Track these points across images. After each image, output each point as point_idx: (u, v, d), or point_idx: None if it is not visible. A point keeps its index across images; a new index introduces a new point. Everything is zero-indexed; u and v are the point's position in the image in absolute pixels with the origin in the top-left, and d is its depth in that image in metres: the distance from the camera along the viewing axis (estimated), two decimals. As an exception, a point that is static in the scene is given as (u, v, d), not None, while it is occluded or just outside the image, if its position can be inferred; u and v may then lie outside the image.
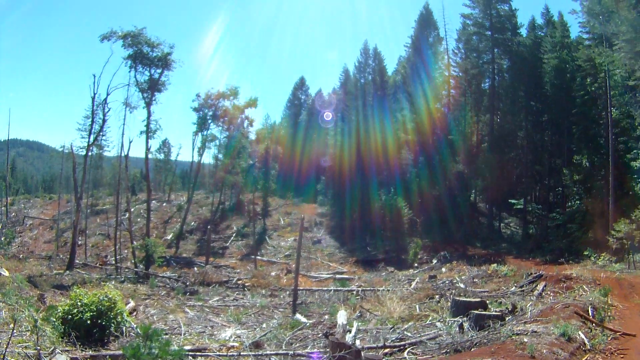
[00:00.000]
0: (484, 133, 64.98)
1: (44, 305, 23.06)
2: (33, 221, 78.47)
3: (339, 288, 33.87)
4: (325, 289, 34.81)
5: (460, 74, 65.58)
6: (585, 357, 12.46)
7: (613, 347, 13.46)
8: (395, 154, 63.09)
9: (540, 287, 22.11)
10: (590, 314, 15.97)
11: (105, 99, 54.05)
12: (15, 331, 14.39)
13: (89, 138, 56.48)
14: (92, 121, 55.68)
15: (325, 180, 78.41)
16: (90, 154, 59.13)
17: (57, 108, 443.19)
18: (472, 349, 12.68)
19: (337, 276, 42.87)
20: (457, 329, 15.29)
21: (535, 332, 13.28)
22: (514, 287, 23.84)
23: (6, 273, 31.87)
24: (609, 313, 17.01)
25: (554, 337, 12.79)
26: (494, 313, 15.84)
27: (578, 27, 54.97)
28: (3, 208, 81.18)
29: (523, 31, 63.49)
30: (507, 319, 15.66)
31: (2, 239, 62.41)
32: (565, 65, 53.70)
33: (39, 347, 12.99)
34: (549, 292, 21.03)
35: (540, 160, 58.54)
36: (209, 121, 71.17)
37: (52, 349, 13.58)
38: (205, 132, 72.82)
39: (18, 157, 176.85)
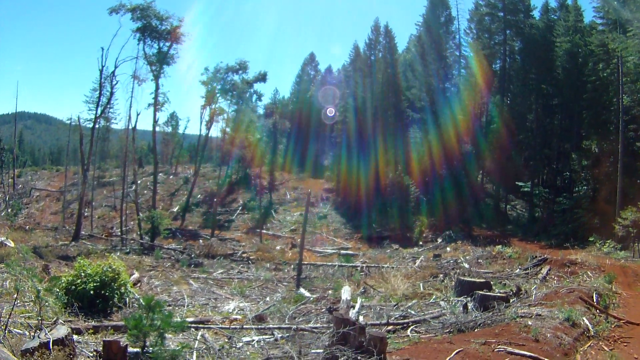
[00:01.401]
0: (493, 114, 64.77)
1: (48, 275, 23.11)
2: (40, 193, 78.74)
3: (344, 264, 33.89)
4: (329, 264, 34.87)
5: (472, 55, 65.27)
6: (589, 344, 12.42)
7: (617, 335, 13.43)
8: (403, 132, 62.92)
9: (544, 270, 22.08)
10: (594, 300, 15.94)
11: (113, 72, 54.09)
12: (18, 301, 14.45)
13: (97, 110, 56.48)
14: (100, 94, 55.72)
15: (333, 156, 78.22)
16: (97, 126, 59.13)
17: (65, 81, 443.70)
18: (476, 330, 12.66)
19: (342, 252, 42.87)
20: (461, 308, 15.24)
21: (540, 315, 13.25)
22: (518, 270, 23.78)
23: (12, 244, 31.95)
24: (613, 300, 16.98)
25: (558, 321, 12.77)
26: (498, 294, 15.78)
27: (592, 11, 54.20)
28: (10, 180, 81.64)
29: (536, 13, 63.10)
30: (511, 301, 15.61)
31: (9, 210, 62.76)
32: (577, 50, 53.40)
33: (40, 318, 12.99)
34: (553, 276, 21.01)
35: (549, 144, 58.30)
36: (218, 95, 71.03)
37: (54, 319, 13.56)
38: (213, 106, 72.68)
39: (26, 130, 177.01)
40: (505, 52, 61.71)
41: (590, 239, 37.99)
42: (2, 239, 32.72)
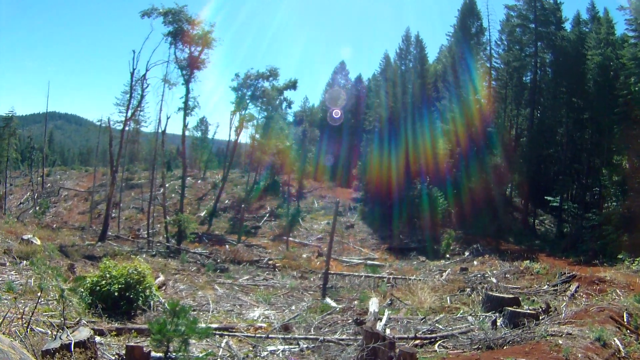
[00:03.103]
0: (523, 127, 64.36)
1: (74, 275, 23.23)
2: (68, 192, 79.43)
3: (370, 274, 33.74)
4: (356, 274, 34.71)
5: (502, 66, 64.97)
6: (620, 365, 12.24)
7: (647, 357, 13.21)
8: (433, 143, 62.73)
9: (573, 287, 21.73)
10: (625, 320, 15.70)
11: (144, 75, 54.60)
12: (42, 300, 14.50)
13: (127, 113, 57.11)
14: (130, 96, 56.28)
15: (362, 166, 78.09)
16: (127, 128, 59.75)
17: (96, 83, 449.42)
18: (505, 347, 12.45)
19: (369, 262, 42.76)
20: (490, 324, 15.08)
21: (570, 334, 13.01)
22: (546, 286, 23.46)
23: (38, 242, 32.05)
24: (643, 320, 16.69)
25: (589, 341, 12.51)
26: (528, 311, 15.50)
27: (624, 24, 53.76)
28: (39, 178, 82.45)
29: (567, 25, 62.66)
30: (541, 318, 15.39)
31: (37, 208, 63.28)
32: (609, 63, 52.83)
33: (64, 317, 13.03)
34: (581, 294, 20.70)
35: (579, 159, 57.83)
36: (248, 101, 71.27)
37: (77, 319, 13.70)
38: (243, 112, 72.88)
39: (56, 130, 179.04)
40: (536, 64, 61.23)
41: (620, 256, 37.38)
42: (29, 236, 32.88)
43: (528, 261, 31.88)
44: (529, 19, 60.67)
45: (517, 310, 15.46)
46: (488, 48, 66.06)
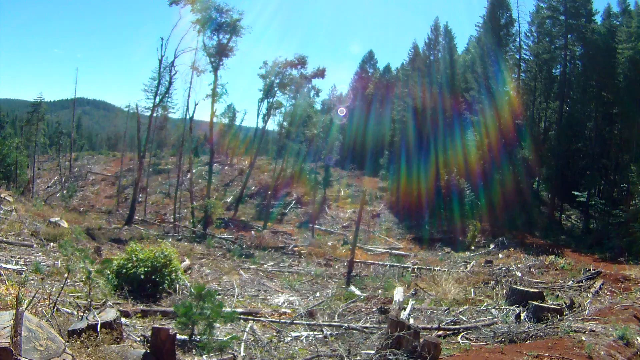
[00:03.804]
0: (552, 120, 63.86)
1: (100, 257, 23.58)
2: (95, 177, 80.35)
3: (395, 264, 33.68)
4: (380, 263, 34.67)
5: (532, 58, 64.46)
6: (643, 365, 12.22)
7: (671, 358, 13.17)
8: (460, 134, 62.46)
9: (597, 284, 21.56)
10: (649, 319, 15.64)
11: (172, 62, 55.23)
12: (68, 281, 14.72)
13: (155, 99, 57.74)
14: (159, 83, 56.87)
15: (389, 155, 77.90)
16: (155, 114, 60.16)
17: (124, 70, 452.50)
18: (528, 341, 12.41)
19: (393, 251, 42.76)
20: (514, 318, 15.03)
21: (594, 331, 12.93)
22: (570, 282, 23.31)
23: (66, 224, 32.46)
24: (668, 321, 16.62)
25: (612, 339, 12.44)
26: (553, 306, 15.37)
27: (656, 17, 53.41)
28: (67, 163, 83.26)
29: (598, 18, 61.84)
30: (565, 314, 15.34)
31: (64, 192, 63.87)
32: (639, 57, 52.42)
33: (90, 299, 13.20)
34: (606, 291, 20.55)
35: (607, 154, 57.32)
36: (275, 88, 71.20)
37: (103, 301, 13.84)
38: (271, 99, 72.93)
39: (84, 115, 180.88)
40: (566, 56, 60.58)
41: (646, 254, 37.28)
42: (56, 219, 33.28)
43: (553, 256, 31.77)
44: (559, 10, 60.01)
45: (542, 304, 15.38)
46: (517, 39, 65.45)
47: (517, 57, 65.12)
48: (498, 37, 63.26)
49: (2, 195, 38.02)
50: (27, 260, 19.49)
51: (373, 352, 11.23)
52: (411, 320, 15.04)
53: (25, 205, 41.10)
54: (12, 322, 6.56)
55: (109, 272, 17.77)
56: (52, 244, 24.70)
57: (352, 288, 24.93)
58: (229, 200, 67.21)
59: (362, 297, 21.47)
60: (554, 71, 63.24)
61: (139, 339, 11.57)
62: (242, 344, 13.15)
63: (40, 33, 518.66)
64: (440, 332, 14.30)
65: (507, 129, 57.84)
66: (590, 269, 24.89)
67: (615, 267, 27.66)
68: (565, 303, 17.23)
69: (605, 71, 55.58)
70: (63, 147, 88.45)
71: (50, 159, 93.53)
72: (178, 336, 11.13)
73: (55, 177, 79.41)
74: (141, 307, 15.45)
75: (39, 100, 72.93)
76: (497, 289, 22.30)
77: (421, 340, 10.04)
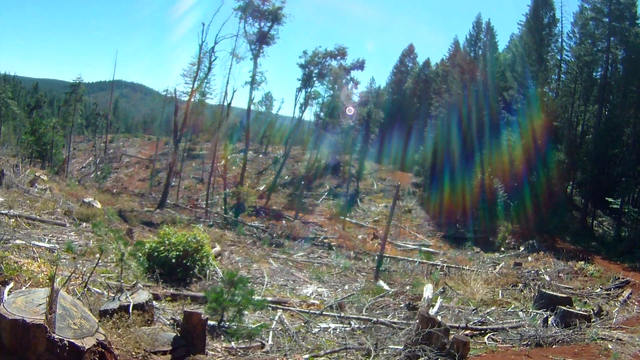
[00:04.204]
0: (589, 124, 63.23)
1: (132, 239, 23.84)
2: (130, 159, 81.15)
3: (424, 260, 33.76)
4: (409, 259, 34.82)
5: (573, 60, 63.78)
6: (666, 377, 12.16)
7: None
8: (497, 133, 62.06)
9: (626, 293, 21.44)
10: (676, 332, 15.54)
11: (213, 48, 55.53)
12: (100, 261, 14.94)
13: (193, 84, 58.13)
14: (198, 68, 57.25)
15: (424, 151, 77.65)
16: (192, 99, 60.38)
17: (163, 54, 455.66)
18: (554, 346, 12.42)
19: (423, 248, 42.61)
20: (541, 322, 15.03)
21: (620, 340, 12.88)
22: (599, 289, 23.19)
23: (99, 205, 32.86)
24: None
25: (638, 348, 12.32)
26: (581, 312, 15.41)
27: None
28: (102, 144, 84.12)
29: (642, 22, 61.20)
30: (592, 320, 15.34)
31: (98, 173, 64.66)
32: (682, 64, 51.73)
33: (122, 280, 13.40)
34: (634, 301, 20.39)
35: (644, 162, 56.68)
36: (314, 79, 71.23)
37: (134, 282, 14.00)
38: (309, 89, 72.98)
39: (121, 98, 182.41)
40: (608, 60, 59.65)
41: (676, 266, 36.85)
42: (90, 199, 33.69)
43: (583, 262, 31.60)
44: (603, 12, 59.19)
45: (570, 310, 15.37)
46: (559, 40, 64.78)
47: (559, 57, 64.48)
48: (540, 37, 62.65)
49: (37, 174, 38.54)
50: (60, 239, 19.76)
51: (401, 347, 11.30)
52: (439, 318, 15.12)
53: (60, 184, 41.66)
54: (47, 300, 6.70)
55: (140, 254, 18.00)
56: (84, 224, 25.04)
57: (381, 283, 25.03)
58: (261, 188, 67.43)
59: (390, 292, 21.56)
60: (594, 74, 62.43)
61: (169, 322, 11.75)
62: (271, 332, 13.31)
63: (82, 15, 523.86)
64: (467, 332, 14.31)
65: (544, 130, 57.37)
66: (619, 278, 24.82)
67: (645, 277, 27.38)
68: (593, 310, 17.20)
69: (647, 77, 54.87)
70: (99, 128, 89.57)
71: (86, 139, 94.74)
72: (208, 322, 11.22)
73: (90, 158, 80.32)
74: (171, 290, 15.67)
75: (77, 82, 73.65)
76: (525, 291, 22.30)
77: (450, 337, 10.11)
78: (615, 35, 57.50)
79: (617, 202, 51.87)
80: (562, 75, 64.36)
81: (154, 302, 12.38)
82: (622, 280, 24.11)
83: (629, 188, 54.18)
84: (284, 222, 49.25)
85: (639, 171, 53.94)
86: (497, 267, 32.01)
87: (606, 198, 52.51)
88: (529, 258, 37.56)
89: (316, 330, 14.46)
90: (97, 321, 7.48)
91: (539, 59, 61.27)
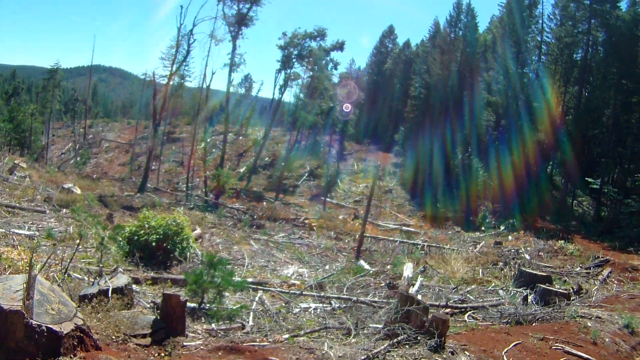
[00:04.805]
0: (569, 105, 63.43)
1: (112, 224, 23.74)
2: (109, 144, 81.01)
3: (405, 240, 33.87)
4: (390, 239, 34.83)
5: (553, 41, 63.95)
6: (646, 354, 12.26)
7: (676, 350, 13.22)
8: (477, 114, 62.20)
9: (605, 272, 21.61)
10: (654, 310, 15.67)
11: (191, 30, 55.63)
12: (80, 247, 14.84)
13: (172, 67, 57.81)
14: (176, 51, 57.07)
15: (404, 131, 77.74)
16: (171, 82, 60.21)
17: (141, 37, 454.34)
18: (534, 324, 12.50)
19: (404, 228, 42.94)
20: (521, 300, 15.11)
21: (600, 318, 13.00)
22: (578, 268, 23.37)
23: (78, 191, 32.74)
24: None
25: (618, 326, 12.52)
26: (560, 290, 15.46)
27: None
28: (81, 130, 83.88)
29: (623, 5, 61.18)
30: (572, 298, 15.44)
31: (78, 158, 64.44)
32: (663, 46, 51.97)
33: (101, 265, 13.34)
34: (613, 279, 20.58)
35: (623, 142, 56.65)
36: (294, 60, 71.06)
37: (114, 267, 13.91)
38: (288, 71, 72.83)
39: (100, 82, 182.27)
40: (589, 42, 59.83)
41: (656, 245, 37.14)
42: (69, 185, 33.55)
43: (563, 241, 31.84)
44: (584, -6, 59.46)
45: (549, 288, 15.41)
46: (540, 22, 64.93)
47: (539, 39, 64.63)
48: (521, 18, 62.67)
49: (16, 162, 38.42)
50: (40, 226, 19.80)
51: (381, 325, 11.32)
52: (419, 297, 15.16)
53: (39, 171, 41.54)
54: (25, 286, 6.66)
55: (120, 238, 17.94)
56: (64, 210, 25.05)
57: (362, 262, 25.12)
58: (242, 170, 67.49)
59: (371, 272, 21.60)
60: (575, 56, 62.62)
61: (149, 306, 11.70)
62: (251, 313, 13.31)
63: (60, 0, 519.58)
64: (448, 310, 14.37)
65: (524, 111, 57.54)
66: (599, 257, 24.95)
67: (624, 256, 27.56)
68: (572, 288, 17.33)
69: (627, 59, 54.90)
70: (78, 114, 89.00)
71: (65, 125, 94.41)
72: (188, 304, 11.16)
73: (70, 144, 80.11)
74: (152, 274, 15.64)
75: (55, 67, 73.47)
76: (505, 270, 22.43)
77: (430, 316, 10.13)
78: (596, 17, 57.69)
79: (597, 182, 52.28)
80: (543, 57, 64.50)
81: (134, 285, 12.37)
82: (602, 259, 24.27)
83: (608, 168, 54.52)
84: (264, 203, 49.40)
85: (618, 152, 54.24)
86: (478, 246, 32.12)
87: (586, 178, 52.84)
88: (509, 237, 37.72)
89: (297, 310, 14.46)
90: (75, 306, 7.46)
91: (519, 40, 61.32)
